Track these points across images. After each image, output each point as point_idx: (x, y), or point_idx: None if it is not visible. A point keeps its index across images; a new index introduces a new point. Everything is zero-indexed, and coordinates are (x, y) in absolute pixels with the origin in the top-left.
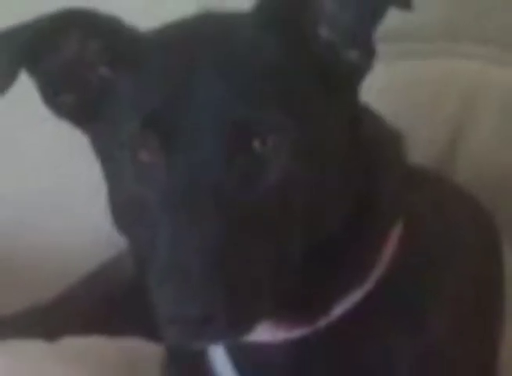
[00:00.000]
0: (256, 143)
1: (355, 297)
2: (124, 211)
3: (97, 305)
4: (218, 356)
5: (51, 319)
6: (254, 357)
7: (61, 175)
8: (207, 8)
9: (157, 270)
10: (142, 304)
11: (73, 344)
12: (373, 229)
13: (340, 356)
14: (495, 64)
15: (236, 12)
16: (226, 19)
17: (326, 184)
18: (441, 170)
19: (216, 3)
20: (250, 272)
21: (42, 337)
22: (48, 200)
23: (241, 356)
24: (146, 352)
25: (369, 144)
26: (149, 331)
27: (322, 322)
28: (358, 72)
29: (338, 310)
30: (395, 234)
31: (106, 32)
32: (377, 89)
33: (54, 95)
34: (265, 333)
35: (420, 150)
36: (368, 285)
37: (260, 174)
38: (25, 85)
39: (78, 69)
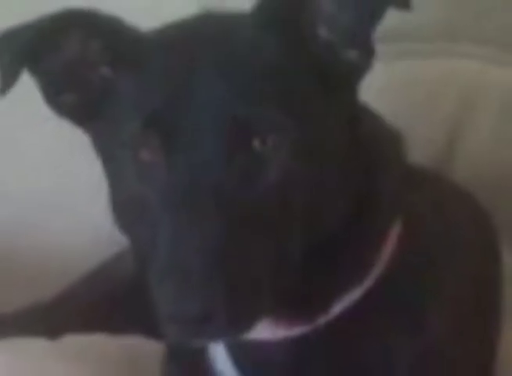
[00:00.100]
0: (256, 143)
1: (354, 295)
2: (125, 209)
3: (98, 303)
4: (219, 354)
5: (52, 317)
6: (253, 355)
7: (62, 175)
8: (207, 8)
9: (158, 268)
10: (143, 302)
11: (75, 342)
12: (373, 228)
13: (340, 353)
14: (494, 64)
15: (236, 12)
16: (226, 20)
17: (325, 183)
18: (439, 169)
19: (216, 3)
20: (250, 271)
21: (44, 335)
22: (50, 199)
23: (241, 353)
24: (146, 349)
25: (369, 143)
26: (150, 329)
27: (322, 320)
28: (357, 72)
29: (338, 308)
30: (395, 233)
31: (108, 32)
32: (376, 89)
33: (55, 94)
34: (264, 331)
35: (419, 150)
36: (367, 283)
37: (260, 173)
38: (26, 85)
39: (80, 69)
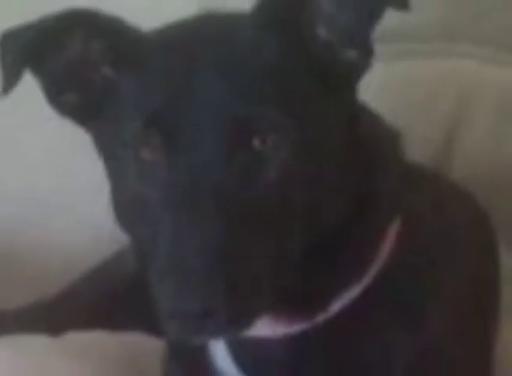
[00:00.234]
0: (256, 142)
1: (353, 293)
2: (126, 208)
3: (99, 300)
4: (219, 351)
5: (54, 315)
6: (253, 352)
7: (63, 174)
8: (207, 8)
9: (158, 266)
10: (144, 299)
11: (77, 339)
12: (372, 226)
13: (339, 351)
14: (492, 64)
15: (236, 12)
16: (227, 20)
17: (325, 182)
18: (437, 169)
19: (217, 4)
20: (250, 269)
21: (46, 332)
22: (51, 198)
23: (241, 350)
24: (147, 346)
25: (368, 142)
26: (151, 326)
27: (321, 317)
28: (356, 72)
29: (337, 306)
30: (393, 231)
31: (109, 32)
32: (375, 88)
33: (58, 94)
34: (264, 328)
35: (417, 149)
36: (366, 281)
37: (260, 172)
38: (28, 85)
39: (82, 69)
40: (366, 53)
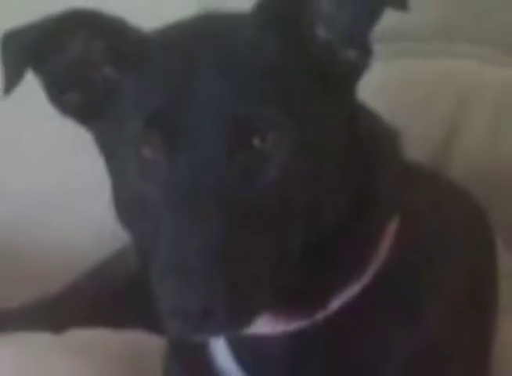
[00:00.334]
0: (256, 141)
1: (352, 290)
2: (127, 206)
3: (101, 298)
4: (219, 349)
5: (56, 313)
6: (253, 349)
7: (65, 173)
8: (207, 8)
9: (159, 264)
10: (145, 297)
11: (79, 336)
12: (371, 224)
13: (338, 348)
14: (490, 64)
15: (236, 12)
16: (227, 20)
17: (324, 181)
18: (435, 167)
19: (217, 4)
20: (250, 267)
21: (48, 329)
22: (53, 197)
23: (241, 348)
24: (148, 344)
25: (367, 141)
26: (152, 324)
27: (321, 315)
28: (355, 71)
29: (336, 303)
30: (392, 229)
31: (111, 32)
32: (374, 88)
33: (59, 94)
34: (264, 325)
35: (415, 148)
36: (365, 279)
37: (260, 171)
38: (29, 85)
39: (83, 69)
40: (365, 53)
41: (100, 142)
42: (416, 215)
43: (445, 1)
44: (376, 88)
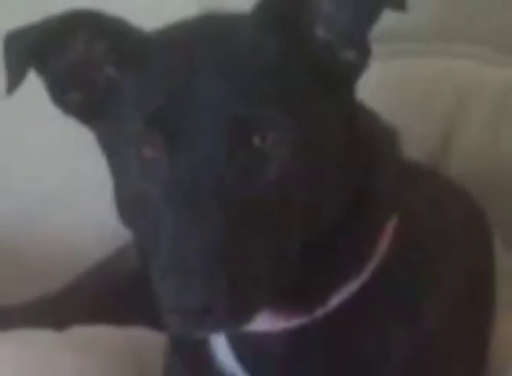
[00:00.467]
0: (256, 140)
1: (351, 288)
2: (128, 205)
3: (103, 296)
4: (220, 345)
5: (59, 310)
6: (253, 346)
7: (67, 172)
8: (208, 9)
9: (160, 262)
10: (146, 294)
11: (81, 333)
12: (370, 223)
13: (337, 345)
14: (488, 64)
15: (236, 12)
16: (227, 20)
17: (324, 180)
18: (434, 166)
19: (217, 4)
20: (250, 265)
21: (51, 326)
22: (56, 196)
23: (241, 344)
24: (150, 341)
25: (366, 140)
26: (153, 321)
27: (320, 312)
28: (354, 71)
29: (335, 300)
30: (391, 227)
31: (112, 33)
32: (373, 87)
33: (61, 94)
34: (264, 322)
35: (414, 147)
36: (364, 276)
37: (260, 170)
38: (32, 85)
39: (85, 69)
40: (364, 53)
41: (102, 141)
42: (415, 214)
43: (443, 1)
44: (375, 87)
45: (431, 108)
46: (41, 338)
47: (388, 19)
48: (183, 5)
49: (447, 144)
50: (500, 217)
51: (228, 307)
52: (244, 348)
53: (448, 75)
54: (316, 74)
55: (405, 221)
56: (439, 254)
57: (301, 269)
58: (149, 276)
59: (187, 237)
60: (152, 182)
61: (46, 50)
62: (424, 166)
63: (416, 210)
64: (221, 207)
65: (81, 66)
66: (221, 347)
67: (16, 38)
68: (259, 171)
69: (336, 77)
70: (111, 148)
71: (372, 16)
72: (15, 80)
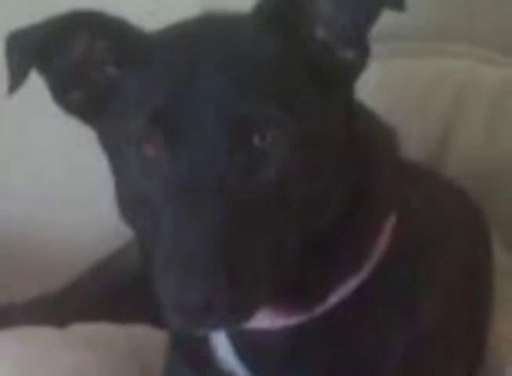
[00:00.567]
0: (256, 138)
1: (350, 285)
2: (130, 203)
3: (104, 293)
4: (220, 342)
5: (61, 307)
6: (254, 342)
7: (69, 170)
8: (210, 9)
9: (161, 260)
10: (148, 292)
11: (83, 330)
12: (368, 221)
13: (337, 342)
14: (485, 64)
15: (236, 12)
16: (227, 20)
17: (322, 178)
18: (432, 164)
19: (219, 5)
20: (250, 262)
21: (53, 324)
22: (57, 195)
23: (242, 341)
24: (151, 338)
25: (364, 139)
26: (154, 318)
27: (319, 309)
28: (353, 70)
29: (335, 298)
30: (389, 225)
31: (113, 32)
32: (372, 87)
33: (63, 93)
34: (264, 320)
35: (412, 146)
36: (363, 274)
37: (260, 167)
38: (34, 84)
39: (86, 68)
40: (363, 53)
41: (103, 140)
42: (413, 212)
43: (441, 1)
44: (374, 87)
45: (430, 107)
46: (44, 336)
47: (387, 19)
48: (186, 8)
49: (444, 142)
50: (497, 215)
51: (229, 305)
52: (244, 345)
53: (446, 75)
54: (316, 74)
55: (404, 219)
56: (437, 252)
57: (300, 267)
58: (150, 274)
59: (188, 235)
60: (153, 180)
61: (48, 50)
62: (422, 165)
63: (414, 208)
64: (221, 204)
65: (82, 65)
66: (221, 344)
67: (18, 39)
68: (259, 169)
69: (335, 76)
70: (112, 146)
71: (371, 16)
72: (17, 79)
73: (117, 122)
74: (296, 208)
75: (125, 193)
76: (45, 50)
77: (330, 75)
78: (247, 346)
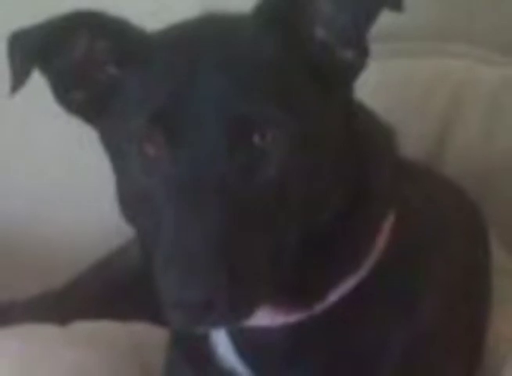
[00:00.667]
0: (256, 137)
1: (349, 283)
2: (131, 202)
3: (106, 291)
4: (221, 339)
5: (62, 305)
6: (253, 340)
7: (70, 169)
8: (210, 9)
9: (162, 258)
10: (148, 290)
11: (84, 328)
12: (367, 219)
13: (336, 340)
14: (484, 64)
15: (236, 13)
16: (228, 20)
17: (322, 177)
18: (430, 163)
19: (219, 5)
20: (251, 260)
21: (54, 321)
22: (59, 194)
23: (242, 339)
24: (151, 336)
25: (364, 139)
26: (155, 316)
27: (319, 307)
28: (353, 70)
29: (334, 296)
30: (388, 224)
31: (114, 32)
32: (371, 86)
33: (65, 92)
34: (264, 317)
35: (411, 145)
36: (362, 272)
37: (259, 166)
38: (36, 83)
39: (87, 67)
40: (362, 53)
41: (105, 139)
42: (412, 211)
43: (440, 2)
44: (374, 86)
45: (428, 107)
46: (45, 333)
47: (387, 19)
48: (187, 8)
49: (443, 142)
50: (495, 214)
51: (229, 303)
52: (244, 342)
53: (445, 75)
54: (315, 74)
55: (403, 218)
56: (436, 251)
57: (299, 265)
58: (151, 272)
59: (188, 233)
60: (154, 178)
61: (50, 50)
62: (420, 164)
63: (412, 206)
64: (221, 203)
65: (83, 65)
66: (221, 342)
67: (20, 39)
68: (259, 168)
69: (335, 76)
70: (114, 145)
71: (370, 16)
72: (19, 79)
73: (118, 121)
74: (296, 208)
75: (126, 192)
76: (47, 50)
77: (330, 75)
78: (247, 344)
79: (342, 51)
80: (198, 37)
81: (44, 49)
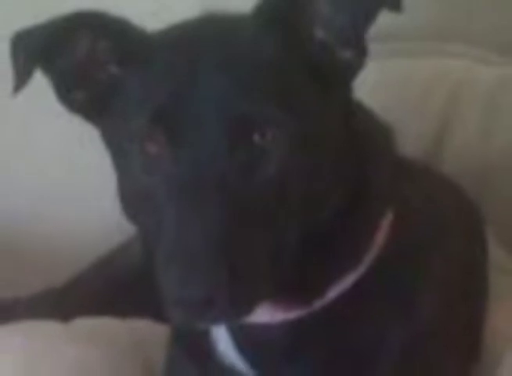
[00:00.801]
0: (256, 136)
1: (349, 281)
2: (132, 200)
3: (107, 288)
4: (221, 336)
5: (64, 302)
6: (254, 336)
7: (72, 167)
8: (210, 9)
9: (163, 255)
10: (150, 287)
11: (86, 324)
12: (366, 217)
13: (335, 336)
14: (482, 64)
15: (236, 13)
16: (228, 20)
17: (322, 176)
18: (428, 162)
19: (219, 5)
20: (251, 257)
21: (56, 318)
22: (61, 191)
23: (242, 335)
24: (152, 332)
25: (362, 137)
26: (155, 313)
27: (318, 304)
28: (352, 70)
29: (333, 293)
30: (387, 221)
31: (115, 32)
32: (370, 86)
33: (67, 92)
34: (264, 314)
35: (409, 144)
36: (361, 269)
37: (259, 165)
38: (39, 82)
39: (89, 67)
40: (361, 53)
41: (106, 138)
42: (411, 209)
43: (438, 2)
44: (372, 86)
45: (427, 106)
46: (48, 330)
47: (386, 19)
48: (187, 8)
49: (441, 141)
50: (493, 213)
51: (229, 299)
52: (244, 339)
53: (443, 74)
54: (315, 74)
55: (401, 216)
56: (434, 248)
57: (299, 263)
58: (152, 269)
59: (189, 231)
60: (155, 177)
61: (52, 50)
62: (418, 162)
63: (411, 205)
64: (222, 202)
65: (85, 65)
66: (221, 338)
67: (23, 39)
68: (259, 167)
69: (334, 75)
70: (115, 144)
71: (369, 16)
72: (22, 79)
73: (120, 121)
74: (295, 206)
75: (128, 190)
76: (49, 50)
77: (329, 75)
78: (247, 340)
79: (341, 51)
80: (198, 37)
81: (46, 49)
